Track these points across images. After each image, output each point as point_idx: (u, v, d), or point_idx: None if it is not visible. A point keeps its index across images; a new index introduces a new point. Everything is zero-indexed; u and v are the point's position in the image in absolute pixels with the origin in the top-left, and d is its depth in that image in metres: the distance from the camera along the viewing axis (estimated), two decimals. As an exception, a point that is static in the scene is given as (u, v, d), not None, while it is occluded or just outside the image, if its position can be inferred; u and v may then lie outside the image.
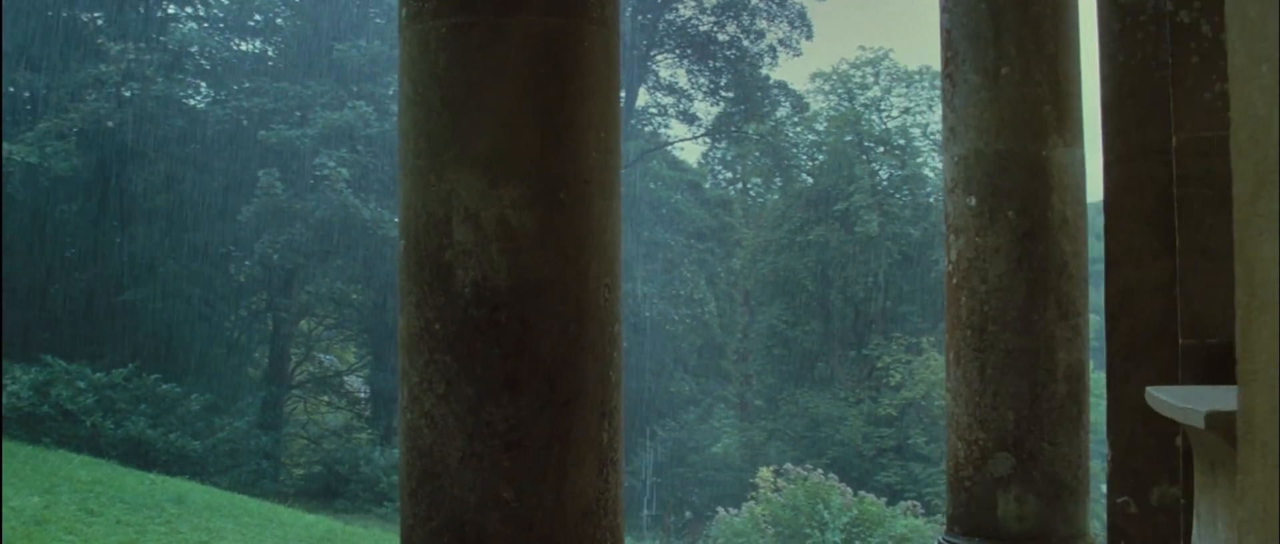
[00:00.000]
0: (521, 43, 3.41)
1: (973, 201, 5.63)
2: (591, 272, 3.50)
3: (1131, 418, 3.04)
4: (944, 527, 5.86)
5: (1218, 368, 3.07)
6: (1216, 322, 3.01)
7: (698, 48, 45.51)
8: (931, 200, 47.19)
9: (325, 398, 39.47)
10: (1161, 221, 3.14)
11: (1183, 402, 2.34)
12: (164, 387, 29.74)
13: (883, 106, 48.09)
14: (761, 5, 45.18)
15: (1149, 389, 2.78)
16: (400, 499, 3.57)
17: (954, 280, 5.72)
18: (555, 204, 3.42)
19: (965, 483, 5.66)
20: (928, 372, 41.72)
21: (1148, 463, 3.20)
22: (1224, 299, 3.00)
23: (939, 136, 48.65)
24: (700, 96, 47.13)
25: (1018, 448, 5.53)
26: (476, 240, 3.37)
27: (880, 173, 47.60)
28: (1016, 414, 5.54)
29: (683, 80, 46.71)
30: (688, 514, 41.81)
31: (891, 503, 17.12)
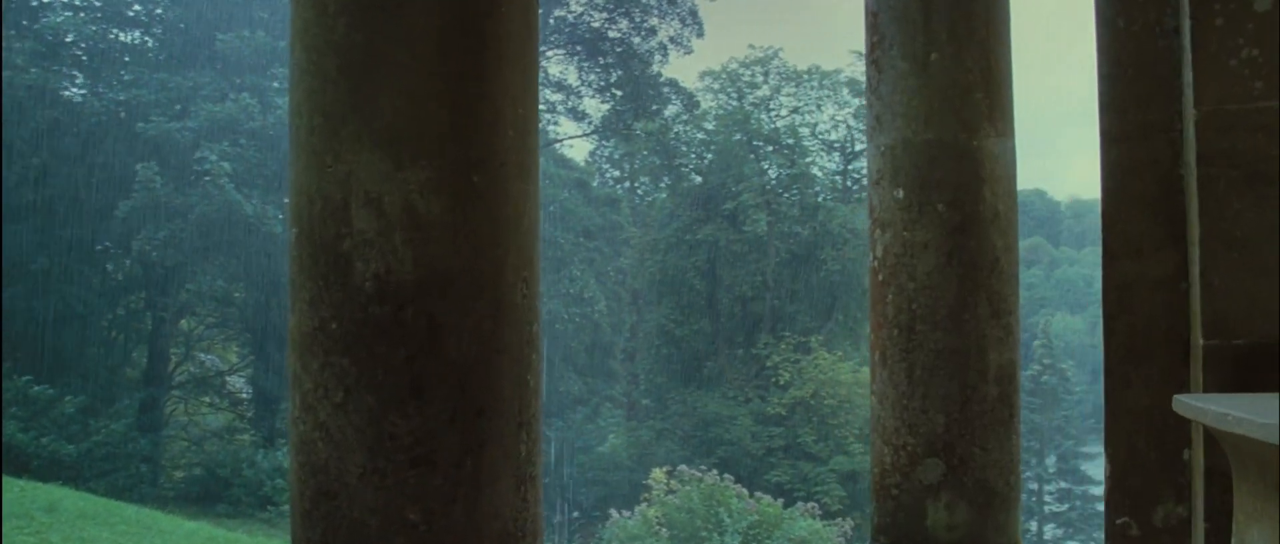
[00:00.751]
0: (431, 5, 3.01)
1: (900, 194, 5.32)
2: (508, 264, 3.12)
3: (1132, 428, 2.74)
4: (870, 537, 5.54)
5: (1248, 372, 2.76)
6: (1244, 319, 2.72)
7: (588, 45, 45.16)
8: (820, 200, 47.40)
9: (206, 399, 38.54)
10: (1166, 208, 2.84)
11: (1248, 413, 2.03)
12: (36, 388, 28.75)
13: (772, 106, 48.18)
14: (653, 3, 44.96)
15: (1181, 398, 2.48)
16: (291, 521, 3.15)
17: (880, 277, 5.41)
18: (467, 187, 3.03)
19: (892, 491, 5.35)
20: (816, 371, 41.87)
21: (1151, 479, 2.89)
22: (1254, 294, 2.72)
23: (839, 133, 48.82)
24: (589, 94, 46.80)
25: (948, 453, 5.23)
26: (379, 228, 2.97)
27: (769, 172, 47.69)
28: (947, 418, 5.24)
29: (572, 77, 46.33)
30: (576, 514, 41.46)
31: (788, 504, 16.91)
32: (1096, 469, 52.73)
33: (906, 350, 5.30)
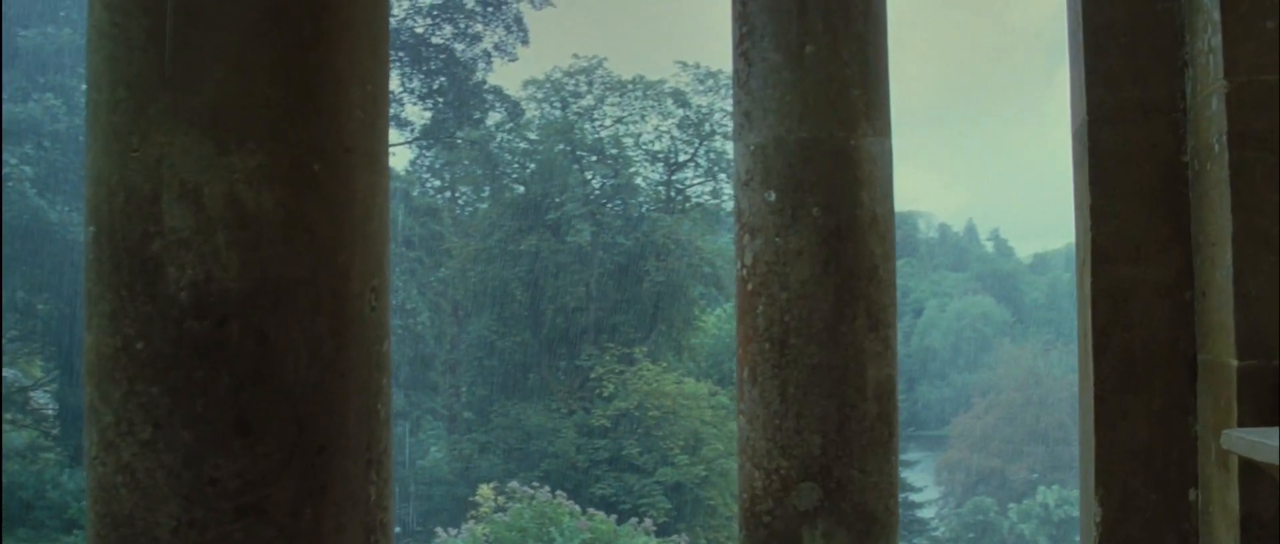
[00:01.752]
0: (261, -46, 2.48)
1: (772, 197, 4.90)
2: (354, 271, 2.60)
3: (1128, 466, 2.29)
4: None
5: (1294, 399, 2.36)
6: (1289, 335, 2.31)
7: (410, 50, 44.21)
8: (644, 210, 47.23)
9: (9, 416, 36.61)
10: (1168, 200, 2.40)
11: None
12: None
13: (596, 116, 47.84)
14: (477, 9, 44.23)
15: (1234, 434, 2.07)
16: (86, 586, 2.57)
17: (749, 286, 4.99)
18: (306, 178, 2.50)
19: (764, 518, 4.92)
20: (641, 382, 41.62)
21: (1153, 526, 2.44)
22: (1300, 304, 2.32)
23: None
24: (411, 101, 45.83)
25: (825, 476, 4.83)
26: (197, 226, 2.42)
27: (593, 182, 47.33)
28: (824, 438, 4.84)
29: (394, 83, 45.26)
30: (397, 530, 40.45)
31: (619, 520, 16.48)
32: (917, 477, 53.54)
33: (779, 366, 4.89)
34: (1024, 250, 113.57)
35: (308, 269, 2.50)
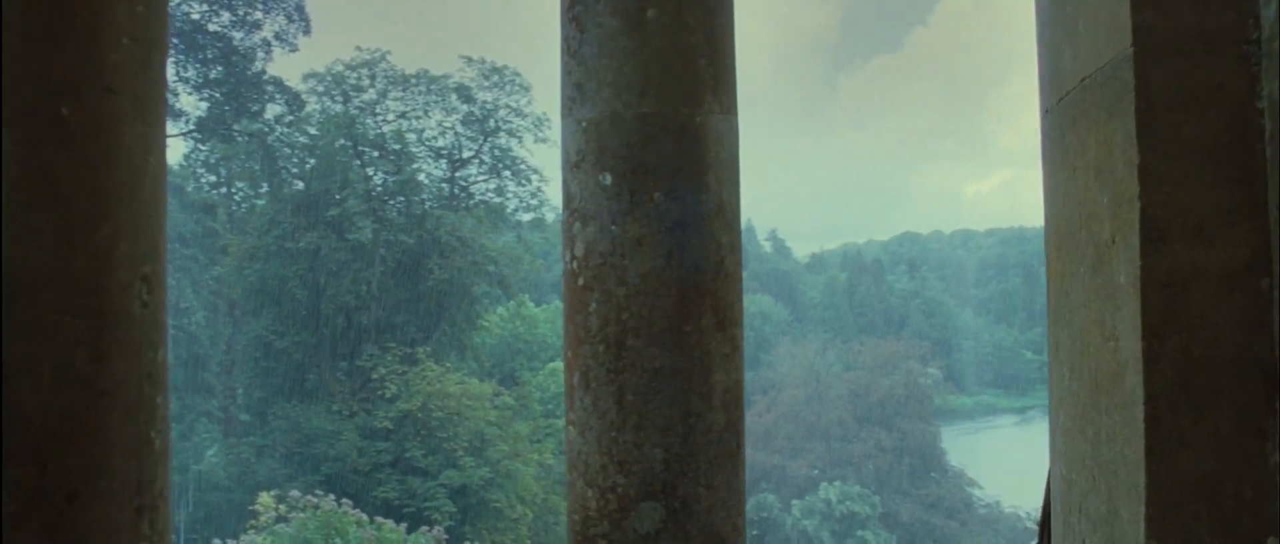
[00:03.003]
0: None
1: (608, 180, 4.33)
2: (119, 253, 1.94)
3: (1188, 505, 1.78)
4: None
5: None
6: None
7: (186, 38, 42.40)
8: (427, 207, 46.36)
9: None
10: (1237, 160, 1.89)
11: None
12: None
13: (379, 110, 46.74)
14: (256, -5, 42.69)
15: None
16: None
17: (580, 281, 4.40)
18: (52, 126, 1.84)
19: (598, 542, 4.35)
20: (424, 382, 40.84)
21: None
22: None
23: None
24: (186, 91, 43.97)
25: (668, 495, 4.29)
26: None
27: (375, 178, 46.31)
28: (666, 452, 4.29)
29: (168, 72, 43.27)
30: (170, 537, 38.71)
31: (411, 528, 15.76)
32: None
33: (615, 371, 4.32)
34: (802, 250, 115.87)
35: (53, 251, 1.84)
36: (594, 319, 4.35)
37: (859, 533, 48.54)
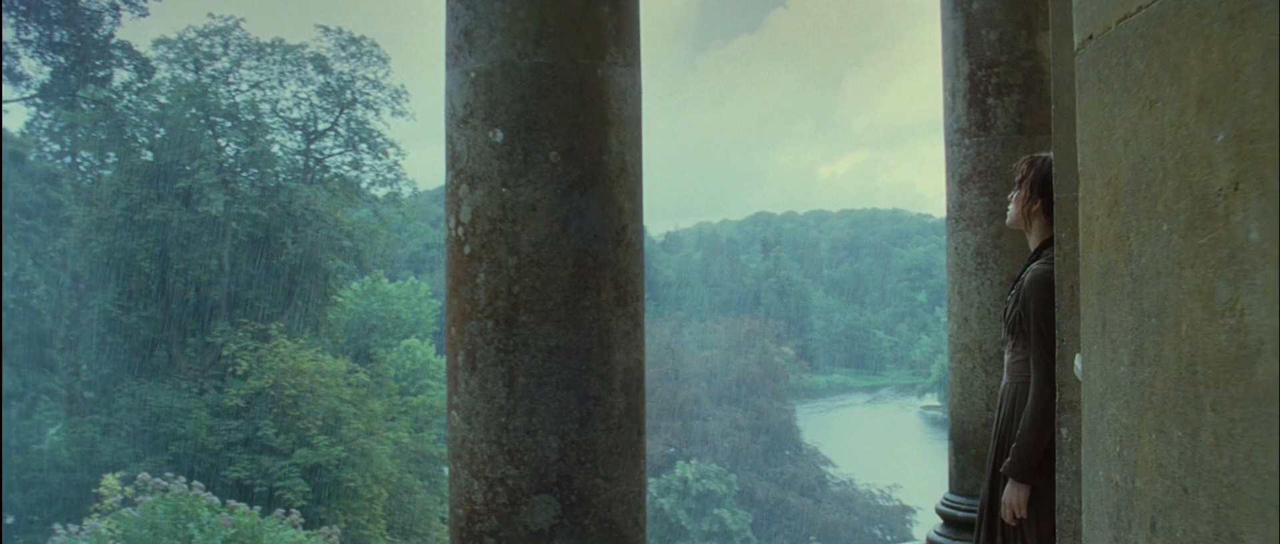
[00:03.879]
0: None
1: (499, 136, 3.89)
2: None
3: None
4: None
5: None
6: None
7: (28, -2, 40.58)
8: (282, 180, 45.23)
9: None
10: None
11: None
12: None
13: (232, 80, 45.38)
14: (103, -45, 41.07)
15: None
16: None
17: (467, 249, 3.96)
18: None
19: (486, 540, 3.92)
20: (276, 359, 39.86)
21: None
22: None
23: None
24: (28, 54, 42.10)
25: (564, 487, 3.87)
26: None
27: (227, 149, 45.01)
28: (562, 440, 3.87)
29: (7, 33, 41.41)
30: (10, 520, 37.25)
31: (263, 510, 15.07)
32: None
33: (506, 350, 3.90)
34: (656, 229, 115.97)
35: None
36: (482, 292, 3.92)
37: (715, 511, 48.64)
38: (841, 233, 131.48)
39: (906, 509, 51.26)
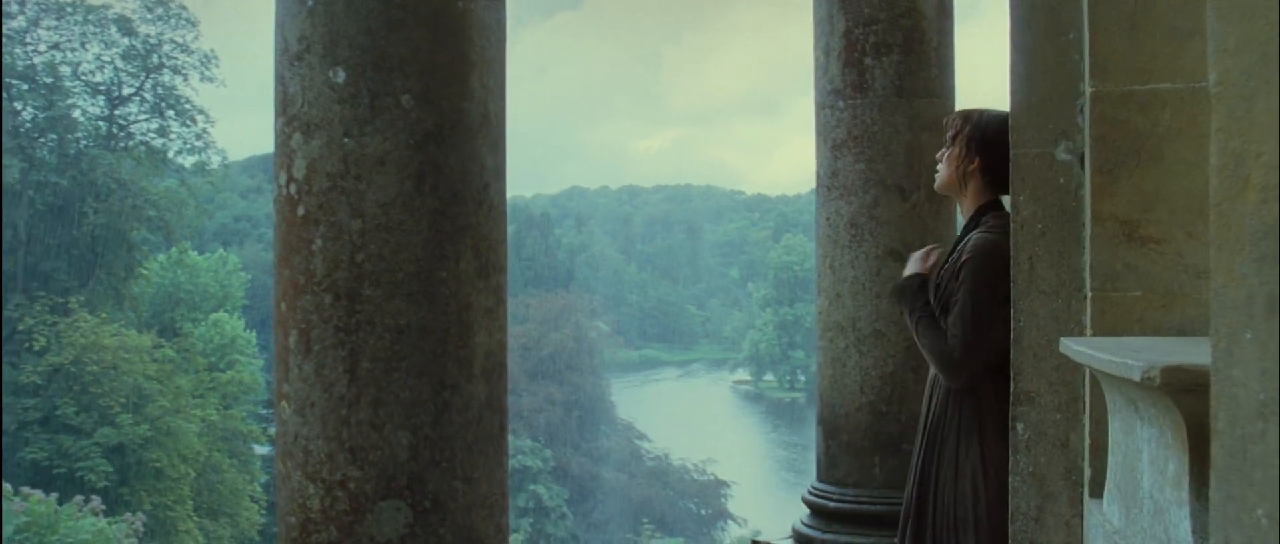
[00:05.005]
0: None
1: (340, 76, 3.27)
2: None
3: None
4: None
5: None
6: None
7: None
8: (83, 146, 43.28)
9: None
10: None
11: None
12: None
13: (29, 40, 43.14)
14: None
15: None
16: None
17: (300, 211, 3.33)
18: None
19: (322, 554, 3.32)
20: (77, 335, 38.15)
21: None
22: None
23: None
24: None
25: (416, 491, 3.28)
26: None
27: (24, 113, 42.90)
28: (413, 436, 3.27)
29: None
30: None
31: (61, 498, 14.09)
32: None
33: (347, 330, 3.29)
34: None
35: None
36: (319, 261, 3.31)
37: (531, 487, 48.14)
38: (655, 208, 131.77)
39: (721, 483, 51.47)
